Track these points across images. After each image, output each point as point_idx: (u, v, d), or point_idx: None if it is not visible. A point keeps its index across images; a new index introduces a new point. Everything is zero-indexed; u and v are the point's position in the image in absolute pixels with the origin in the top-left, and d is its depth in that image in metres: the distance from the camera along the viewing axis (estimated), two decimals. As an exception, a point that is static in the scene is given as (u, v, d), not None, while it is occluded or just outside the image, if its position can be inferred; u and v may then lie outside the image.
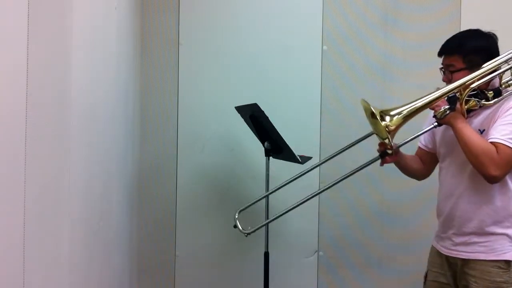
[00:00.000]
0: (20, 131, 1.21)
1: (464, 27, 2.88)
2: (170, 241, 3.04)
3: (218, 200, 3.03)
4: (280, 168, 2.78)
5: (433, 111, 1.96)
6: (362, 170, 2.99)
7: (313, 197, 2.22)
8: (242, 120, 2.68)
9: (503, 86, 1.94)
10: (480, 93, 1.93)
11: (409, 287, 2.88)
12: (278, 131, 2.46)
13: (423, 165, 2.22)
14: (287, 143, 2.47)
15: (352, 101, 2.93)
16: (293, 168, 2.68)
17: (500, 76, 1.94)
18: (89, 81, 1.84)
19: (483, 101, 1.92)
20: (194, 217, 3.04)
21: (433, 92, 1.91)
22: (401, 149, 2.12)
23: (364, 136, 2.17)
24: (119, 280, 2.45)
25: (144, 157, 3.03)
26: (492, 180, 1.86)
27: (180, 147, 3.03)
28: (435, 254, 2.15)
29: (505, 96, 1.93)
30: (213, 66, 3.02)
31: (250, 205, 2.36)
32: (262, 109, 2.47)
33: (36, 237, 1.32)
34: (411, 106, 1.87)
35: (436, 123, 1.96)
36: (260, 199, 2.43)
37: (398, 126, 1.86)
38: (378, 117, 1.84)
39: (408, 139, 2.03)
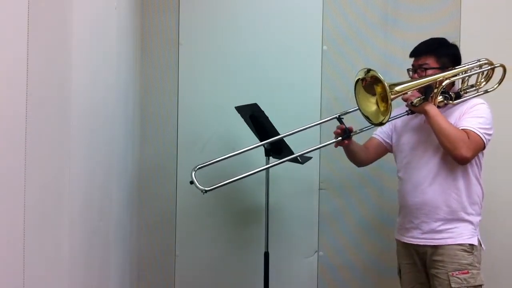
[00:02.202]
0: (20, 131, 1.21)
1: (464, 27, 2.90)
2: (170, 241, 3.04)
3: (218, 200, 3.03)
4: (280, 168, 2.78)
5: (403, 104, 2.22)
6: (362, 170, 2.99)
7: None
8: (242, 120, 2.68)
9: (462, 91, 2.24)
10: (447, 93, 2.20)
11: (409, 287, 2.89)
12: (278, 131, 2.46)
13: (368, 154, 2.43)
14: (287, 143, 2.47)
15: (352, 101, 2.90)
16: (293, 168, 2.68)
17: (463, 81, 2.23)
18: (89, 81, 1.84)
19: (448, 100, 2.19)
20: (194, 217, 3.04)
21: (426, 77, 2.16)
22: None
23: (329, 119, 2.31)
24: (119, 280, 2.45)
25: (144, 157, 3.03)
26: (464, 161, 2.09)
27: (180, 147, 3.03)
28: (402, 247, 2.32)
29: (464, 100, 2.21)
30: (213, 66, 3.02)
31: (210, 163, 2.19)
32: (262, 109, 2.47)
33: (36, 237, 1.32)
34: (414, 82, 2.12)
35: (409, 111, 2.20)
36: (223, 159, 2.27)
37: (397, 96, 2.05)
38: (386, 84, 1.99)
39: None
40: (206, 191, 2.01)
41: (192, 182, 2.02)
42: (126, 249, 2.65)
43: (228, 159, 2.80)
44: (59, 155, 1.51)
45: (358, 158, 2.41)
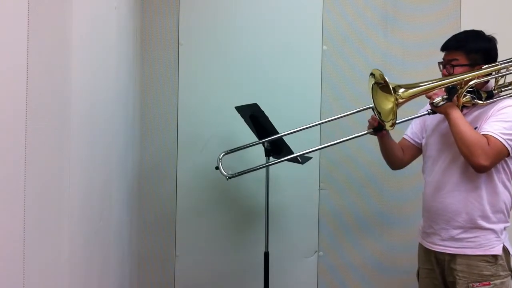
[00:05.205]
0: (20, 131, 1.21)
1: (464, 27, 2.89)
2: (170, 241, 3.04)
3: (218, 200, 3.03)
4: (280, 168, 2.78)
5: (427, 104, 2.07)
6: (362, 170, 2.99)
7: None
8: (242, 120, 2.68)
9: (496, 90, 2.06)
10: (476, 92, 2.03)
11: (409, 287, 2.89)
12: (278, 131, 2.46)
13: (403, 155, 2.30)
14: (287, 143, 2.47)
15: (352, 101, 2.93)
16: (293, 168, 2.68)
17: (497, 80, 2.06)
18: (89, 81, 1.84)
19: (476, 100, 2.03)
20: (194, 217, 3.05)
21: (440, 78, 2.02)
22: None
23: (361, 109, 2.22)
24: (119, 280, 2.45)
25: (144, 157, 3.03)
26: (481, 169, 1.96)
27: (180, 147, 3.03)
28: (423, 251, 2.22)
29: (497, 99, 2.04)
30: (213, 66, 3.02)
31: (238, 149, 2.39)
32: (262, 109, 2.47)
33: (36, 237, 1.32)
34: (424, 85, 1.97)
35: (430, 110, 2.06)
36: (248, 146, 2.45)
37: (406, 101, 1.93)
38: (391, 88, 1.90)
39: (400, 120, 2.06)
40: (230, 177, 2.18)
41: (217, 168, 2.19)
42: (126, 249, 2.65)
43: (228, 158, 2.81)
44: (59, 155, 1.51)
45: (394, 156, 2.28)
